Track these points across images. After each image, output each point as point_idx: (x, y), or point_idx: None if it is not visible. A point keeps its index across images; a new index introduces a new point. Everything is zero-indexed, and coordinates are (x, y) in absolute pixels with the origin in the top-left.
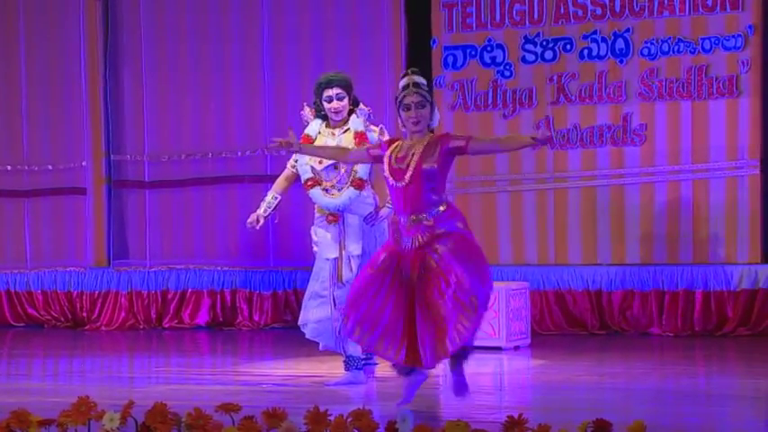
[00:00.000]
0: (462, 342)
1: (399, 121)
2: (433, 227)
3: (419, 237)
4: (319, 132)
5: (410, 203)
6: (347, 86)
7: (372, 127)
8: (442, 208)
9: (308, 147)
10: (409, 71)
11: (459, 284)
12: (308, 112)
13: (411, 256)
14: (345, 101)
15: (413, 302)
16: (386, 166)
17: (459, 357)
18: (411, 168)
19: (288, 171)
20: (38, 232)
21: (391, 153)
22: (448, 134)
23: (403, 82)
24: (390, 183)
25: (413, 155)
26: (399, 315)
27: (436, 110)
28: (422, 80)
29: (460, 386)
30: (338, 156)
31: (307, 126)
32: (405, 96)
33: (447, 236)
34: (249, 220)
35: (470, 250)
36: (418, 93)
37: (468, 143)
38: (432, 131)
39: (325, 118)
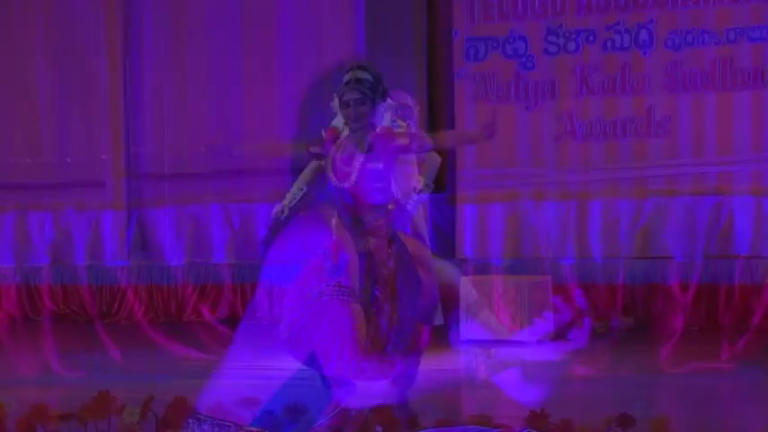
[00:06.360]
0: None
1: (342, 118)
2: (387, 225)
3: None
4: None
5: (357, 204)
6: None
7: (400, 122)
8: (390, 207)
9: (250, 147)
10: (354, 65)
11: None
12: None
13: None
14: None
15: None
16: (329, 166)
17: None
18: (357, 169)
19: (314, 162)
20: (57, 225)
21: (336, 152)
22: (390, 131)
23: (345, 77)
24: (333, 184)
25: (357, 155)
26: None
27: (383, 109)
28: (366, 76)
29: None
30: (277, 152)
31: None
32: (344, 93)
33: (400, 245)
34: (275, 210)
35: (414, 276)
36: (358, 89)
37: (413, 142)
38: (374, 128)
39: None
